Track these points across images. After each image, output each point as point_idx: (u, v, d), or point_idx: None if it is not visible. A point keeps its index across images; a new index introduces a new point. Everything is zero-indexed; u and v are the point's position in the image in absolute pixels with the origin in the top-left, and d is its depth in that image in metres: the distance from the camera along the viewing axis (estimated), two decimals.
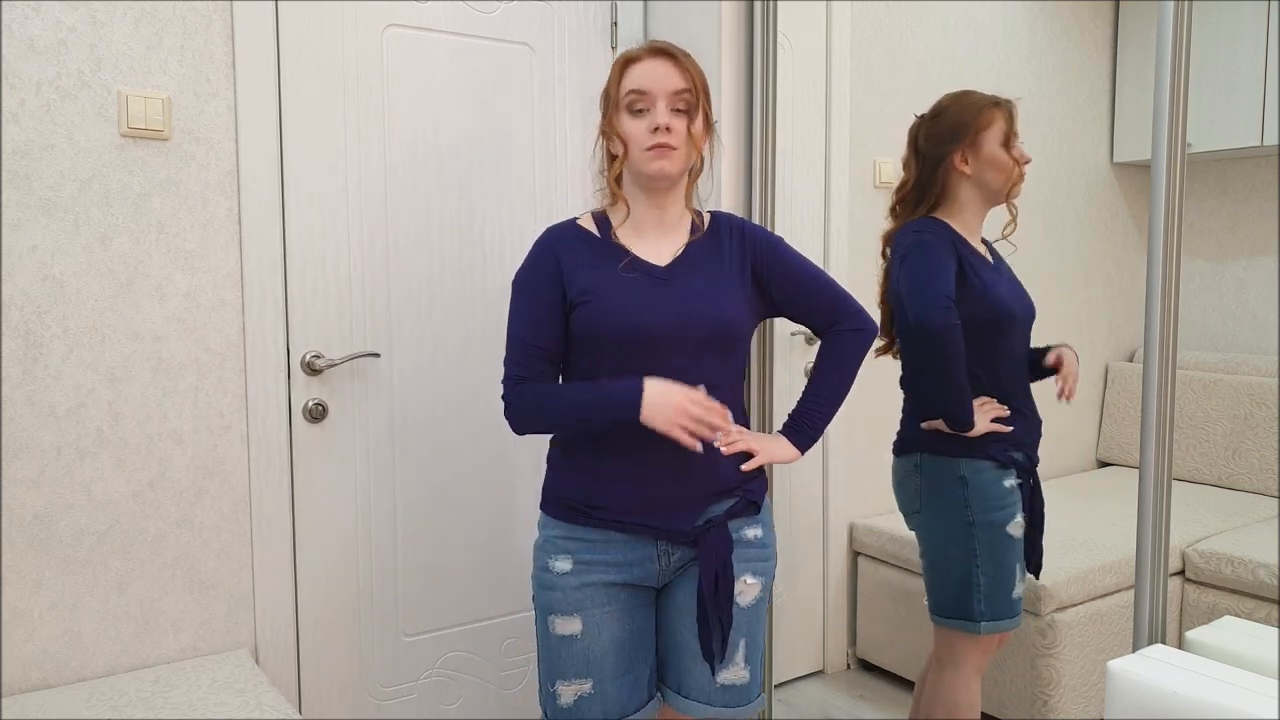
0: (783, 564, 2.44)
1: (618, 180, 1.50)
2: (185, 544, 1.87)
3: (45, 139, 1.70)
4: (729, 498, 1.50)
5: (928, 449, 1.82)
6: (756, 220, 2.00)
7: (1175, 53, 1.40)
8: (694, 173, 1.52)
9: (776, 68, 2.00)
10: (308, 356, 1.98)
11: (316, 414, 2.00)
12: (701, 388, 1.42)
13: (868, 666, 2.69)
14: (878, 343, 1.92)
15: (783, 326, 2.42)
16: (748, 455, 1.51)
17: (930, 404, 1.80)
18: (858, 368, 1.57)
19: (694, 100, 1.45)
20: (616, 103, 1.47)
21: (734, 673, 1.47)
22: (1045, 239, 2.42)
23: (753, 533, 1.50)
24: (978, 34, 2.43)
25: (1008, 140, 1.79)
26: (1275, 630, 1.47)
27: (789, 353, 2.51)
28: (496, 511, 2.25)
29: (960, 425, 1.74)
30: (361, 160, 2.02)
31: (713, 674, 1.47)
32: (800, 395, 1.59)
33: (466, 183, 2.16)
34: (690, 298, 1.46)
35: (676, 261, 1.50)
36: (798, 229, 2.48)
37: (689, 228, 1.54)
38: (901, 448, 1.89)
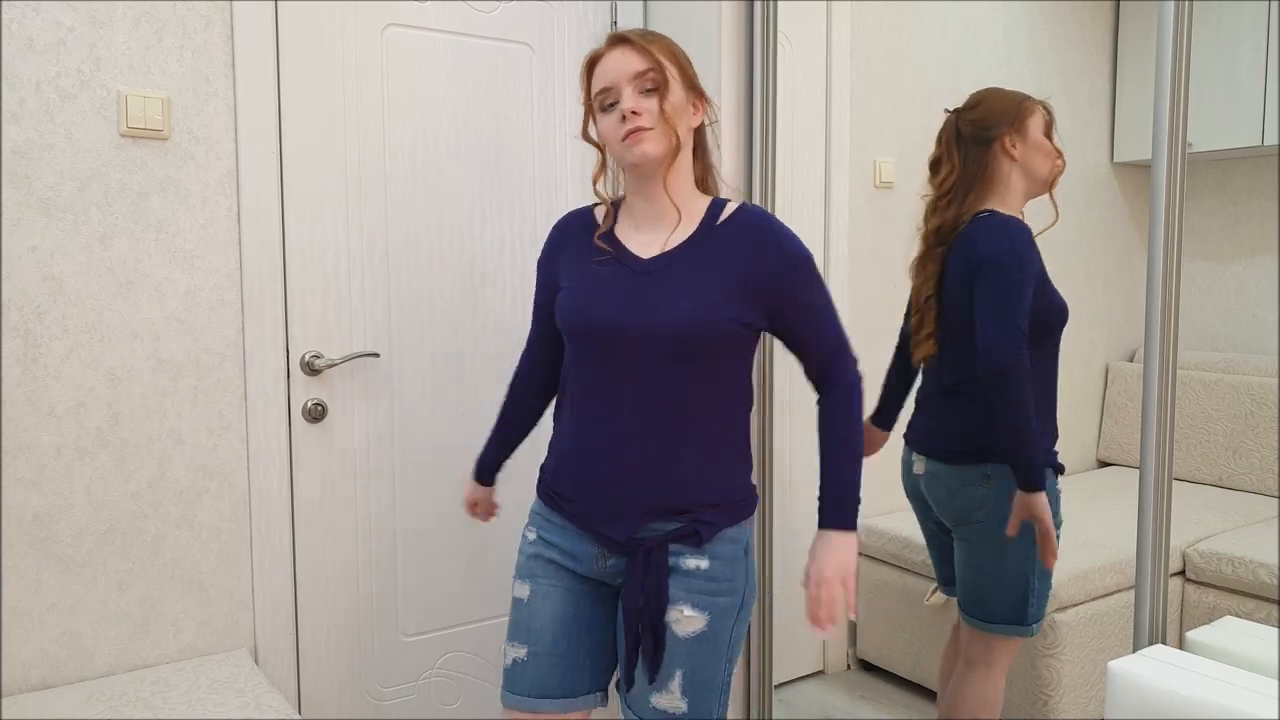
0: (783, 564, 2.44)
1: (629, 184, 1.48)
2: (185, 544, 1.87)
3: (45, 139, 1.70)
4: (675, 519, 1.40)
5: (1003, 459, 1.77)
6: None
7: (1175, 53, 1.40)
8: (683, 152, 1.43)
9: (776, 68, 1.99)
10: (307, 356, 1.98)
11: (316, 414, 2.00)
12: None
13: (868, 666, 2.68)
14: (927, 347, 1.89)
15: None
16: (731, 488, 1.43)
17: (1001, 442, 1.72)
18: (863, 421, 1.50)
19: (661, 77, 1.38)
20: (590, 107, 1.45)
21: (668, 700, 1.40)
22: (1045, 239, 2.42)
23: (695, 563, 1.39)
24: (978, 34, 2.43)
25: (1048, 129, 1.80)
26: (1275, 630, 1.47)
27: (789, 352, 2.51)
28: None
29: (1036, 470, 1.68)
30: (361, 160, 2.02)
31: (648, 690, 1.42)
32: (824, 469, 1.48)
33: (466, 182, 2.16)
34: (661, 297, 1.38)
35: (662, 257, 1.42)
36: (798, 229, 2.47)
37: (696, 219, 1.44)
38: (966, 457, 1.81)
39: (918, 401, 1.97)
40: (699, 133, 1.48)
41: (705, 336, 1.37)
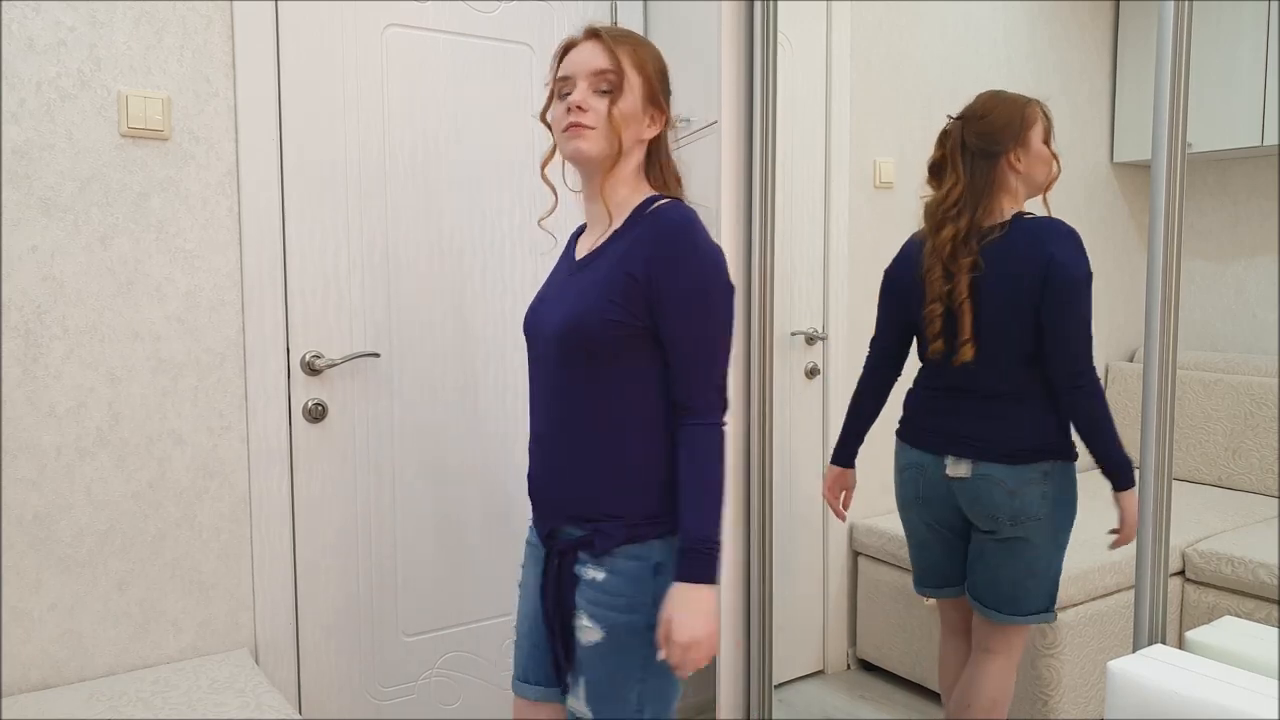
0: (783, 564, 2.44)
1: (598, 177, 1.44)
2: (185, 544, 1.87)
3: (45, 139, 1.70)
4: (582, 526, 1.39)
5: (1063, 456, 1.82)
6: (756, 221, 1.99)
7: (1175, 53, 1.40)
8: (627, 160, 1.40)
9: (776, 68, 1.99)
10: (308, 356, 1.98)
11: (316, 414, 2.00)
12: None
13: (868, 666, 2.68)
14: (967, 351, 1.86)
15: (782, 326, 2.42)
16: (632, 503, 1.36)
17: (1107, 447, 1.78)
18: (721, 461, 1.33)
19: (618, 81, 1.36)
20: (552, 92, 1.45)
21: (577, 705, 1.40)
22: None
23: (593, 574, 1.36)
24: (978, 34, 2.43)
25: (1047, 136, 1.84)
26: (1275, 630, 1.47)
27: (789, 352, 2.51)
28: (496, 511, 2.25)
29: (1130, 468, 1.73)
30: (361, 160, 2.02)
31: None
32: (681, 515, 1.35)
33: (466, 182, 2.16)
34: (564, 299, 1.40)
35: (587, 257, 1.43)
36: (798, 229, 2.48)
37: (625, 218, 1.42)
38: (1028, 456, 1.82)
39: (937, 404, 1.92)
40: (656, 142, 1.44)
41: (584, 339, 1.34)
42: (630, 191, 1.42)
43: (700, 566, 1.30)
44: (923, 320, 1.89)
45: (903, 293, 1.96)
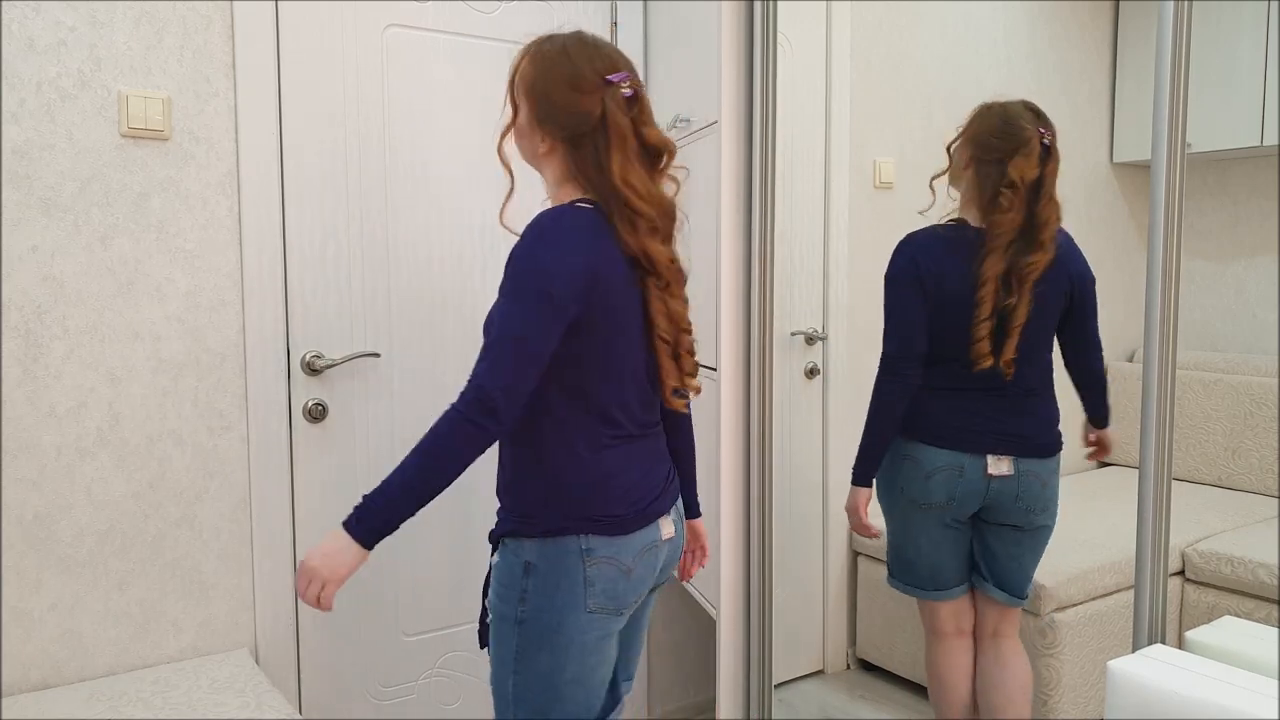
0: (782, 564, 2.44)
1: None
2: (185, 544, 1.87)
3: (45, 139, 1.70)
4: (502, 513, 1.47)
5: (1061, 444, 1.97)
6: (756, 221, 1.99)
7: (1175, 53, 1.40)
8: (545, 172, 1.46)
9: (776, 68, 1.99)
10: (308, 356, 1.98)
11: (316, 414, 2.00)
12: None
13: (868, 666, 2.68)
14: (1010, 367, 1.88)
15: (782, 326, 2.42)
16: (519, 500, 1.41)
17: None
18: (435, 442, 1.29)
19: (514, 101, 1.44)
20: None
21: None
22: None
23: (495, 558, 1.45)
24: (978, 34, 2.43)
25: None
26: (1275, 630, 1.47)
27: (789, 352, 2.51)
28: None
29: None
30: (361, 160, 2.03)
31: None
32: None
33: (466, 183, 2.16)
34: None
35: None
36: (798, 229, 2.48)
37: None
38: (1054, 448, 1.94)
39: (970, 405, 1.90)
40: (580, 157, 1.39)
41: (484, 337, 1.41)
42: (553, 204, 1.45)
43: (354, 516, 1.31)
44: (970, 333, 1.84)
45: (947, 301, 1.89)
